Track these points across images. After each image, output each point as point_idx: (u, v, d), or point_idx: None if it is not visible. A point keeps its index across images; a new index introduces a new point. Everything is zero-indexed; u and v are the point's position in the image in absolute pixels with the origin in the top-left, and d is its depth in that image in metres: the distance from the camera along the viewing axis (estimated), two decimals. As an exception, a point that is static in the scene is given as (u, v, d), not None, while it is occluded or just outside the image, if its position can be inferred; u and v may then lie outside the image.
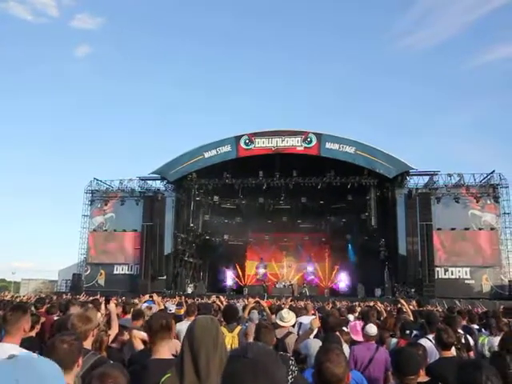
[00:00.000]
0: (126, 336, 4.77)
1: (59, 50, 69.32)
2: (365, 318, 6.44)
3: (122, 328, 4.91)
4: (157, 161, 44.18)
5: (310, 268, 33.80)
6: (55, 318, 6.10)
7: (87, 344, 3.35)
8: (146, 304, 9.18)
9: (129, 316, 6.39)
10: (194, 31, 72.68)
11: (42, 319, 5.85)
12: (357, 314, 8.57)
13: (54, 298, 14.79)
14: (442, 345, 4.22)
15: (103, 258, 30.01)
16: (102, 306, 6.55)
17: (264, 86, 76.71)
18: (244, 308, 7.63)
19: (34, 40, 70.04)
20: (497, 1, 67.80)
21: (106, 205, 30.73)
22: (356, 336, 5.34)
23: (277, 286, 30.47)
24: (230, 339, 4.81)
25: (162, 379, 2.10)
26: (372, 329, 5.08)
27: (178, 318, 6.29)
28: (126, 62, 72.17)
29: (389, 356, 4.55)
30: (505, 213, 26.67)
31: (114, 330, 4.66)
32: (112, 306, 4.98)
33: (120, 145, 74.32)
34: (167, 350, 2.98)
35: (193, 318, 5.85)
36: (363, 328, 5.20)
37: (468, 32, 61.56)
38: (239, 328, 5.13)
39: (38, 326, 5.10)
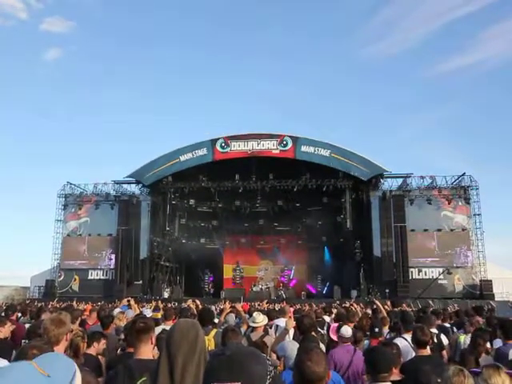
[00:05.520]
0: (103, 343, 4.68)
1: (28, 53, 67.58)
2: (341, 320, 6.49)
3: (100, 335, 4.82)
4: (132, 164, 43.60)
5: (286, 271, 33.95)
6: (27, 326, 5.95)
7: (60, 349, 3.25)
8: (118, 310, 9.05)
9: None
10: (166, 36, 72.06)
11: (13, 326, 5.70)
12: (333, 316, 8.62)
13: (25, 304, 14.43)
14: (418, 343, 4.30)
15: (77, 263, 29.44)
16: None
17: (240, 88, 76.63)
18: (221, 312, 7.64)
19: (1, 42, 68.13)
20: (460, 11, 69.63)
21: (80, 209, 30.16)
22: (335, 336, 5.39)
23: (254, 289, 30.35)
24: (206, 342, 4.78)
25: (138, 383, 2.08)
26: (347, 331, 5.08)
27: (156, 322, 6.23)
28: (96, 66, 70.96)
29: (364, 357, 4.61)
30: (475, 214, 27.32)
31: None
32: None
33: (94, 148, 72.94)
34: (148, 351, 2.98)
35: (170, 322, 5.79)
36: (338, 330, 5.21)
37: (442, 35, 62.83)
38: (215, 331, 5.11)
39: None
